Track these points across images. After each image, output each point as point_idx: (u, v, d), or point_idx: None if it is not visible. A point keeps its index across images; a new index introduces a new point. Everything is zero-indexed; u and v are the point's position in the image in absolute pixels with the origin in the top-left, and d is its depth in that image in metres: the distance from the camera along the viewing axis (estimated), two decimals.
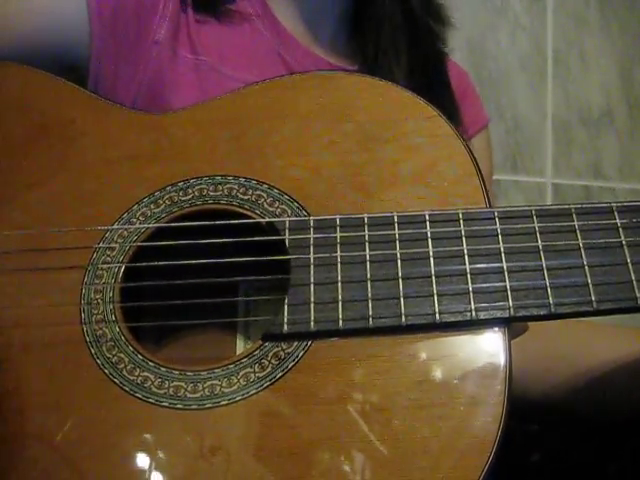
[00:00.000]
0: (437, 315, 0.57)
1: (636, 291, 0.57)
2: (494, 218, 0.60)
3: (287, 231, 0.62)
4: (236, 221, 0.63)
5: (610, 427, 0.79)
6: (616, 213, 0.60)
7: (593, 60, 1.73)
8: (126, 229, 0.64)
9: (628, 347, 0.75)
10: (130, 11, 0.79)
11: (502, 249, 0.59)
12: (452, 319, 0.57)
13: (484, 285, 0.58)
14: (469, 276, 0.58)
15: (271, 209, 0.64)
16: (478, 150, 0.83)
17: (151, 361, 0.59)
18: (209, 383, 0.57)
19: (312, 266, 0.60)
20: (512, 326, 0.59)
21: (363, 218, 0.61)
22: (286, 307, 0.58)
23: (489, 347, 0.57)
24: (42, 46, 0.77)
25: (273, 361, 0.57)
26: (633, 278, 0.57)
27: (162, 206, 0.65)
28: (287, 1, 0.87)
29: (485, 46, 1.61)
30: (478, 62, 1.59)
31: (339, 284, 0.59)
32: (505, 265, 0.59)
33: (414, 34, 0.88)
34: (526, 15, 1.67)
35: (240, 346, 0.66)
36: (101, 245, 0.64)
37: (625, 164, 1.68)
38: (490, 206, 0.62)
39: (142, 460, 0.55)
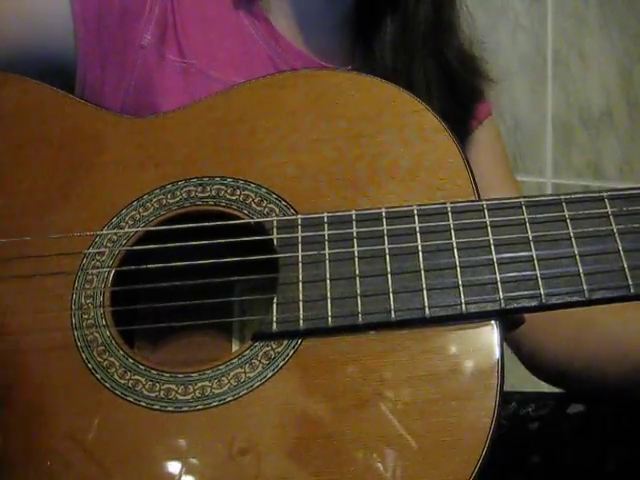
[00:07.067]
0: (427, 309, 0.56)
1: (629, 279, 0.56)
2: (483, 210, 0.60)
3: (275, 230, 0.61)
4: (224, 222, 0.63)
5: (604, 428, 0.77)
6: (607, 201, 0.59)
7: (593, 60, 1.72)
8: (115, 233, 0.64)
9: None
10: (115, 15, 0.79)
11: (491, 241, 0.58)
12: (442, 313, 0.56)
13: (474, 278, 0.57)
14: (459, 269, 0.58)
15: (259, 208, 0.63)
16: (483, 141, 0.88)
17: (142, 364, 0.58)
18: (200, 385, 0.57)
19: (300, 264, 0.59)
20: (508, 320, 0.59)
21: (351, 215, 0.61)
22: (275, 306, 0.58)
23: (481, 341, 0.56)
24: (27, 50, 0.78)
25: (263, 361, 0.57)
26: (625, 265, 0.57)
27: (151, 209, 0.65)
28: (281, 3, 0.85)
29: (485, 46, 1.60)
30: None
31: (327, 281, 0.58)
32: (495, 257, 0.58)
33: (450, 86, 0.86)
34: (526, 15, 1.67)
35: (235, 348, 0.65)
36: (90, 250, 0.63)
37: (625, 164, 1.67)
38: (479, 198, 0.61)
39: (134, 463, 0.54)
